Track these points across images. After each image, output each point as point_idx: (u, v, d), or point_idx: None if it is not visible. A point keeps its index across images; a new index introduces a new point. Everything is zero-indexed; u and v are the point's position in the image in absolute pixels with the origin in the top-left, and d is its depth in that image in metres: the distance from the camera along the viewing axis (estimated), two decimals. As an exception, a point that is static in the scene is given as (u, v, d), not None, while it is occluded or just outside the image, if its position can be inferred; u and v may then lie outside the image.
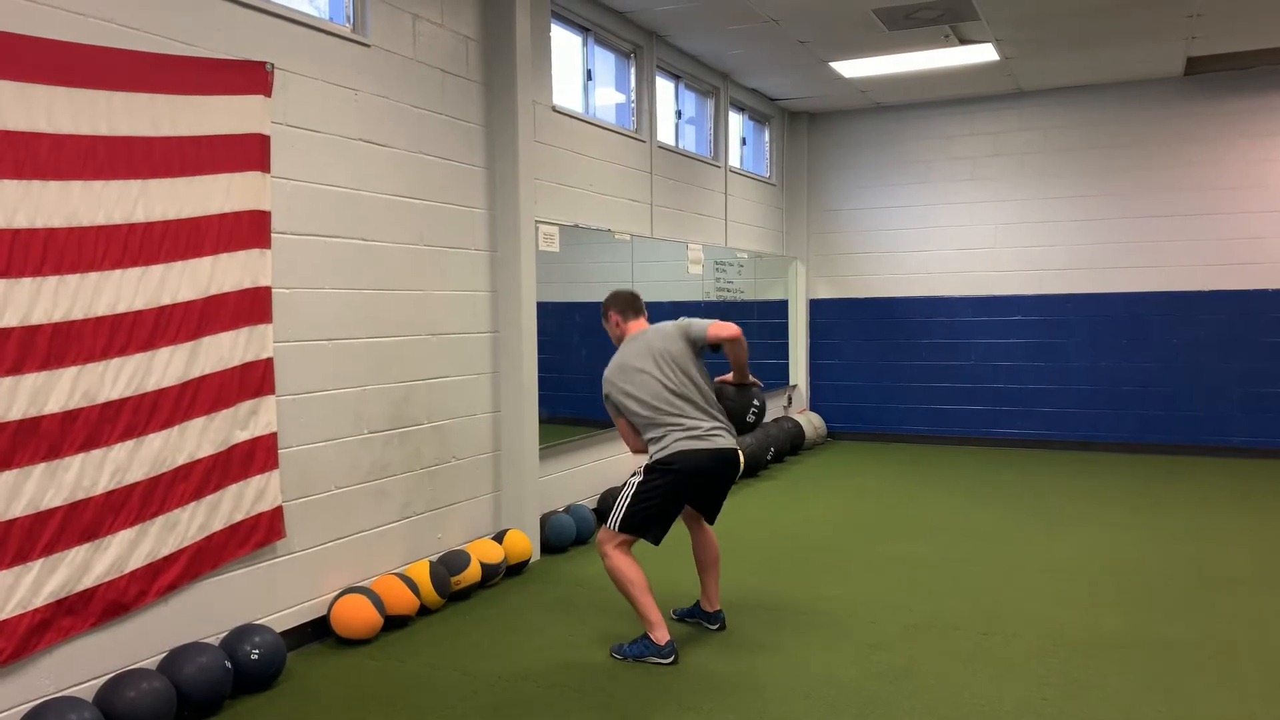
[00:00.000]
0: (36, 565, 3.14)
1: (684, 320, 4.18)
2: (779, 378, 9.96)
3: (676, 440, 3.99)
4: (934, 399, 9.87)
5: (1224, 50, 7.84)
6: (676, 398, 4.04)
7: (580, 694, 3.68)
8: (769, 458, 8.37)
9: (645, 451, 4.19)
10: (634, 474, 4.11)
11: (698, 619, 4.42)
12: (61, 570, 3.23)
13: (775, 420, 9.32)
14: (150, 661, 3.52)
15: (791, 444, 9.02)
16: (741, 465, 4.21)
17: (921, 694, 3.63)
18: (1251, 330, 8.65)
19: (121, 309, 3.42)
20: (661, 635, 3.97)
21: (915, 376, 9.94)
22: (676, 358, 4.08)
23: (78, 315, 3.27)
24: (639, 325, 4.29)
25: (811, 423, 9.69)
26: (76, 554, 3.27)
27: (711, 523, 4.30)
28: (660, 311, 4.54)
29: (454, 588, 4.78)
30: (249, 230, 3.93)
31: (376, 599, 4.31)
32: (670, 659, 3.94)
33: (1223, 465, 8.35)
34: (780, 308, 10.00)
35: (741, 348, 4.14)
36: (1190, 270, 8.86)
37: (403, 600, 4.43)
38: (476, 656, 4.09)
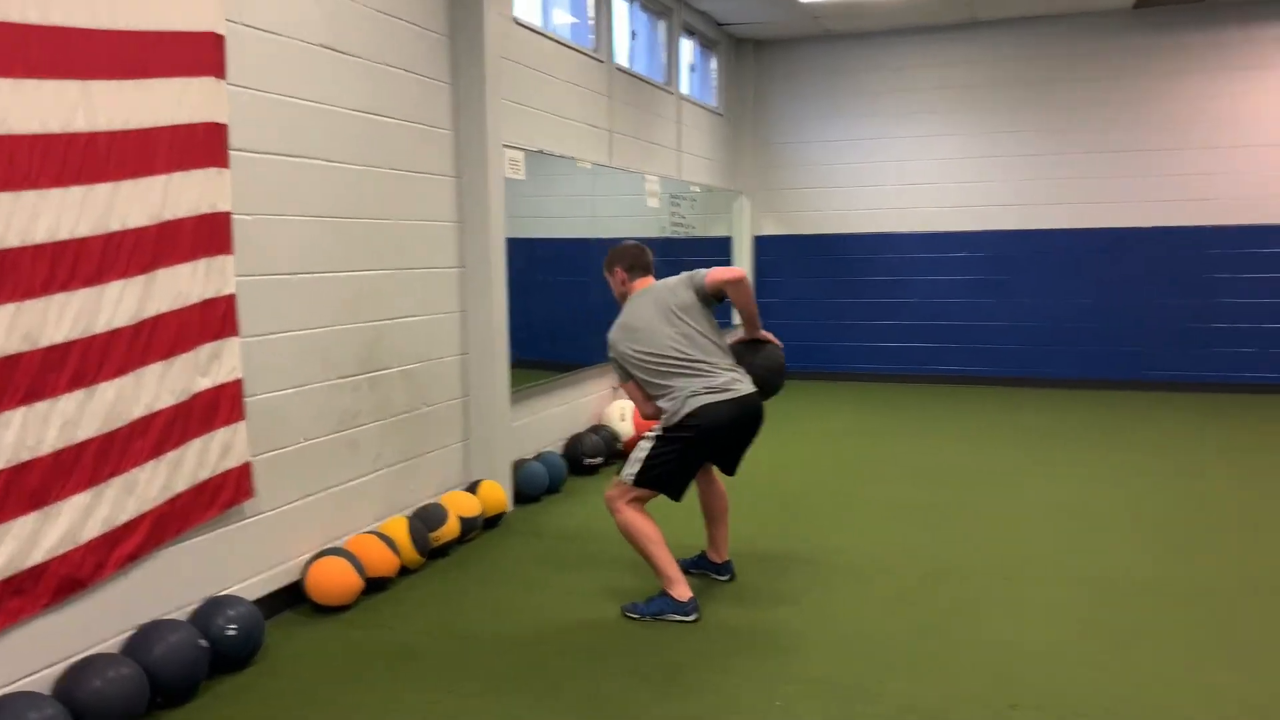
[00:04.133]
0: (-23, 540, 2.65)
1: (687, 273, 3.86)
2: (722, 316, 9.66)
3: (694, 396, 3.66)
4: (879, 337, 9.78)
5: (1182, -19, 7.77)
6: (692, 350, 3.71)
7: (602, 657, 3.37)
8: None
9: (657, 416, 3.84)
10: (646, 437, 3.76)
11: (704, 569, 4.14)
12: (7, 544, 2.72)
13: (725, 360, 9.08)
14: (113, 643, 3.06)
15: (743, 384, 8.78)
16: (763, 415, 3.89)
17: (966, 647, 3.43)
18: (1194, 267, 8.76)
19: (64, 235, 2.88)
20: (683, 591, 3.68)
21: (861, 314, 9.81)
22: (687, 309, 3.75)
23: (12, 242, 2.73)
24: (645, 282, 3.93)
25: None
26: (23, 525, 2.77)
27: (731, 474, 3.99)
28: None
29: (433, 544, 4.39)
30: (205, 145, 3.39)
31: (356, 561, 3.90)
32: (693, 617, 3.66)
33: (1163, 399, 8.48)
34: (724, 245, 9.69)
35: (745, 291, 3.81)
36: (1136, 206, 8.89)
37: (383, 560, 4.03)
38: (474, 620, 3.73)
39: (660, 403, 3.75)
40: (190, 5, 3.31)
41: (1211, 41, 8.55)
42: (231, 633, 3.26)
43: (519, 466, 5.36)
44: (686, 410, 3.64)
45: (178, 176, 3.28)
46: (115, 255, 3.04)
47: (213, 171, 3.42)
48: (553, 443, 6.00)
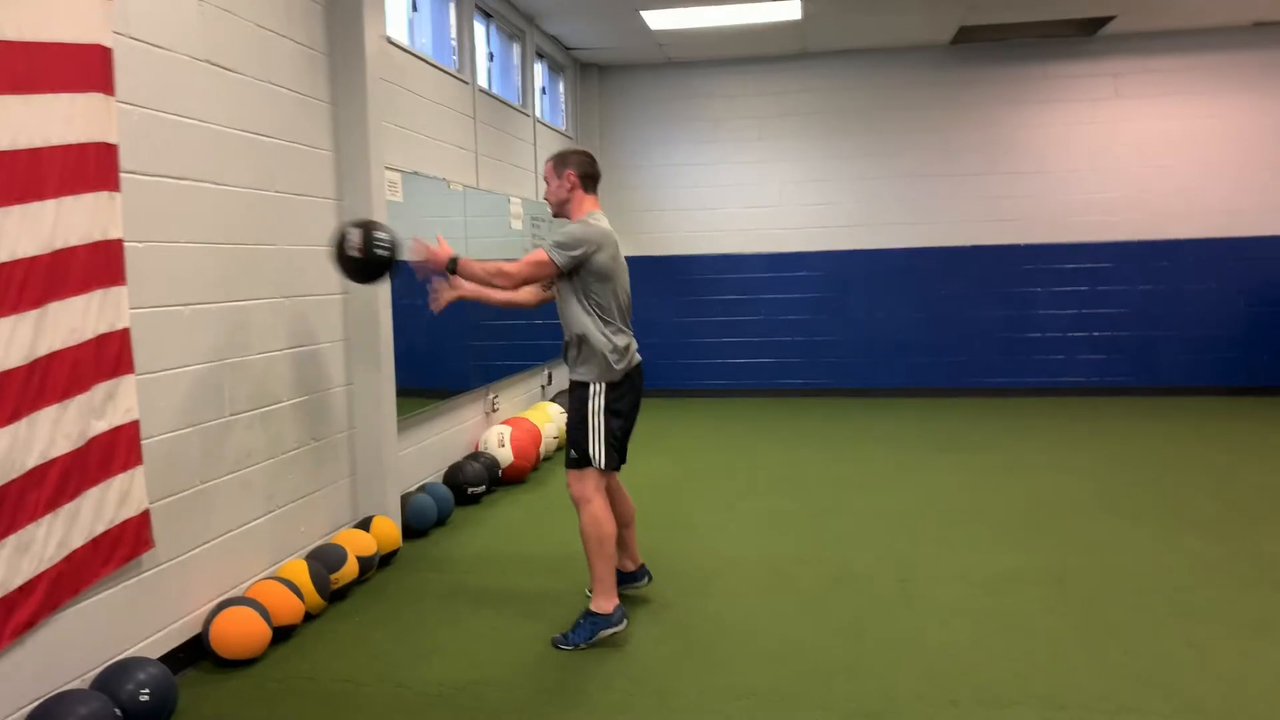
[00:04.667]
0: None
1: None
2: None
3: (635, 351, 3.81)
4: (727, 354, 10.07)
5: (994, 21, 8.46)
6: (629, 308, 3.83)
7: (549, 693, 3.30)
8: (588, 420, 8.13)
9: (511, 301, 3.94)
10: (590, 396, 3.67)
11: (624, 585, 4.11)
12: (-105, 620, 2.40)
13: (583, 381, 9.11)
14: (13, 722, 2.73)
15: (601, 404, 8.82)
16: None
17: (887, 648, 3.59)
18: (1009, 282, 9.53)
19: (-50, 267, 2.57)
20: (608, 604, 3.67)
21: (709, 332, 10.08)
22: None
23: (-104, 275, 2.42)
24: (594, 202, 3.85)
25: (613, 382, 9.54)
26: (-87, 596, 2.45)
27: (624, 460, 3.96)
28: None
29: (333, 586, 4.17)
30: (96, 168, 3.11)
31: (262, 609, 3.64)
32: (624, 624, 3.67)
33: (988, 404, 9.16)
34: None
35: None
36: (957, 226, 9.59)
37: (289, 608, 3.79)
38: (401, 664, 3.57)
39: (593, 343, 3.65)
40: (77, 16, 3.03)
41: (1016, 76, 9.37)
42: (145, 698, 2.98)
43: (406, 500, 5.17)
44: (632, 364, 3.76)
45: (68, 201, 2.99)
46: (5, 289, 2.74)
47: (104, 195, 3.14)
48: (433, 473, 5.82)
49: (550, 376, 8.31)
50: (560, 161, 3.81)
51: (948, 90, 9.48)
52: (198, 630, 3.58)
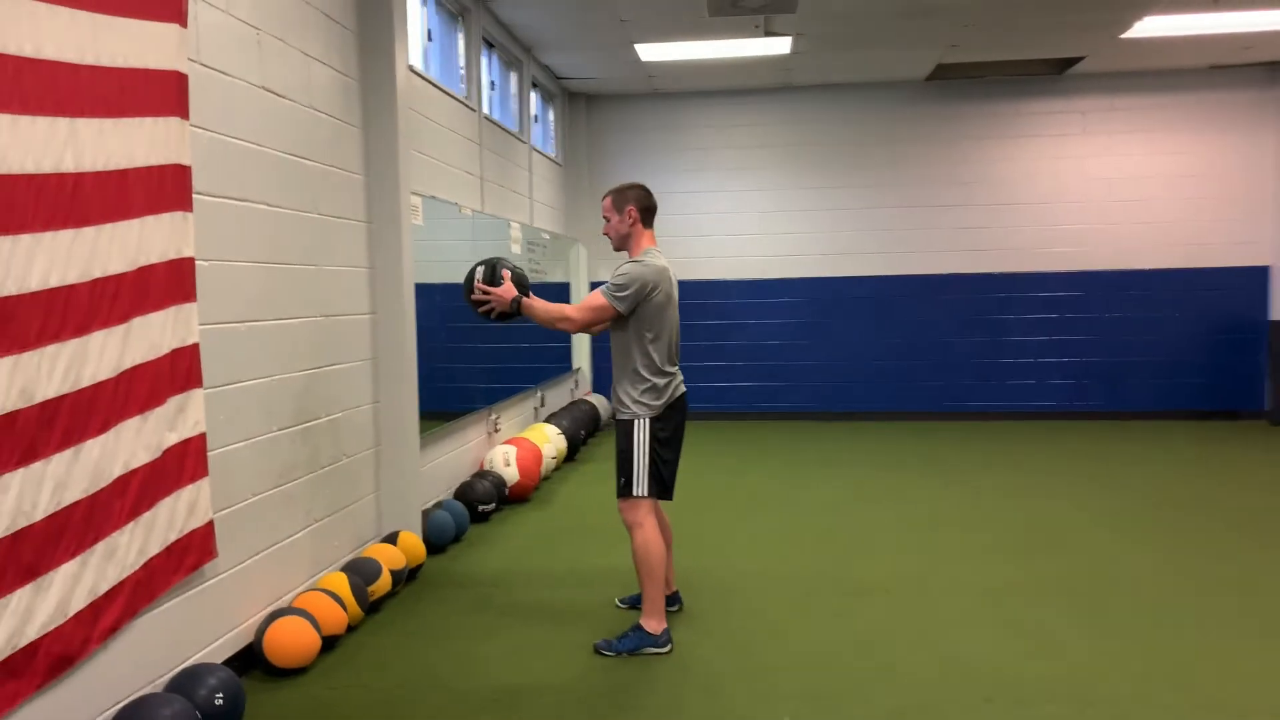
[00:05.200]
0: (-19, 619, 2.39)
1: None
2: (562, 361, 9.86)
3: (680, 384, 3.94)
4: (710, 377, 10.28)
5: (972, 59, 8.84)
6: (677, 344, 3.95)
7: (601, 696, 3.44)
8: (582, 437, 8.29)
9: (571, 323, 3.82)
10: (634, 430, 3.78)
11: (651, 605, 4.26)
12: (5, 621, 2.48)
13: (573, 403, 9.25)
14: (101, 725, 2.81)
15: (591, 424, 8.98)
16: None
17: (919, 654, 3.77)
18: (982, 309, 9.88)
19: (54, 282, 2.68)
20: (657, 625, 3.81)
21: (692, 356, 10.23)
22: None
23: (11, 290, 2.51)
24: (651, 238, 3.96)
25: (600, 405, 9.70)
26: (19, 599, 2.53)
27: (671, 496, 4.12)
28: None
29: (370, 599, 4.26)
30: (173, 189, 3.23)
31: (313, 620, 3.73)
32: (668, 648, 3.80)
33: (965, 428, 9.47)
34: (565, 290, 9.88)
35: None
36: (931, 256, 9.94)
37: (335, 618, 3.88)
38: (449, 673, 3.68)
39: (640, 375, 3.77)
40: (159, 43, 3.16)
41: (989, 112, 9.78)
42: (219, 702, 3.06)
43: (425, 516, 5.26)
44: (675, 395, 3.86)
45: (151, 220, 3.10)
46: (99, 303, 2.85)
47: (179, 215, 3.26)
48: (443, 491, 5.92)
49: (543, 399, 8.43)
50: (620, 197, 3.92)
51: (924, 125, 9.85)
52: (250, 639, 3.66)
